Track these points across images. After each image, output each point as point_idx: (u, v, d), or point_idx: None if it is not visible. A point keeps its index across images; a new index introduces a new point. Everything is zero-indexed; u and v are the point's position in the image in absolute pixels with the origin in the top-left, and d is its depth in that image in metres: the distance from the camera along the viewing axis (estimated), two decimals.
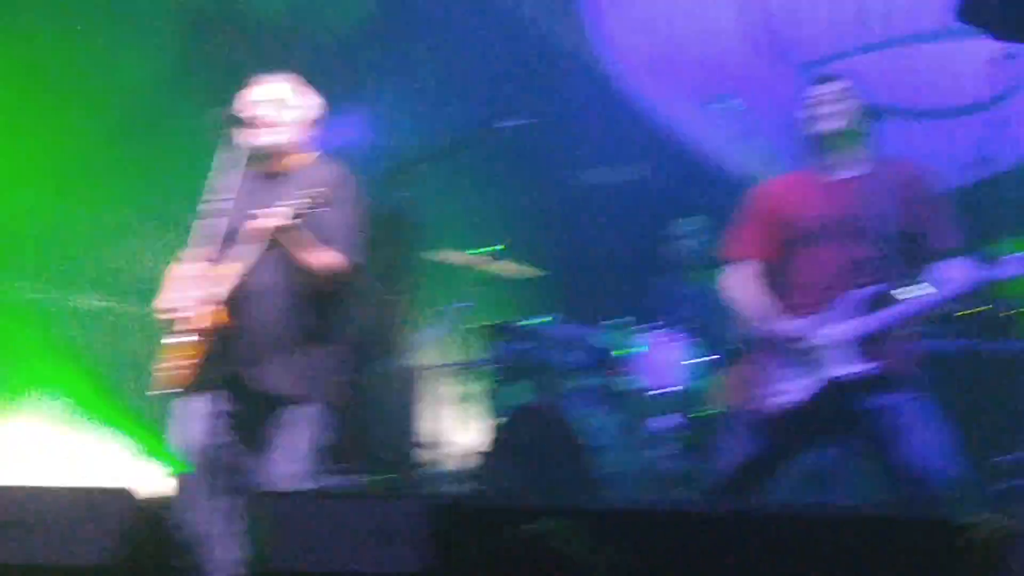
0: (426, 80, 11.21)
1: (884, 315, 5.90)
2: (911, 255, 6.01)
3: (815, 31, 10.76)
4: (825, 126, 6.16)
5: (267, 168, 6.45)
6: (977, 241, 5.63)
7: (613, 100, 11.39)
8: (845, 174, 6.16)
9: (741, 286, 6.31)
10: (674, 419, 8.64)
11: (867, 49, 10.64)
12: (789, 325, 6.05)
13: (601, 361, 9.23)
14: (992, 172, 5.52)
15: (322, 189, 5.97)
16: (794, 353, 5.99)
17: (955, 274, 5.84)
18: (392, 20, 11.36)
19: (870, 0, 10.59)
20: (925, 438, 5.81)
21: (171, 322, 6.21)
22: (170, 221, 7.57)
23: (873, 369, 5.88)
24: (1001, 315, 8.00)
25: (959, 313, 7.49)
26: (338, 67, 10.68)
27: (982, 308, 5.54)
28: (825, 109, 6.15)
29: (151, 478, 8.60)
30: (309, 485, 6.21)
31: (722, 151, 10.49)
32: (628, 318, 9.34)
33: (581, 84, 11.35)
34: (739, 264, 6.34)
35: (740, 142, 8.17)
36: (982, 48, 9.91)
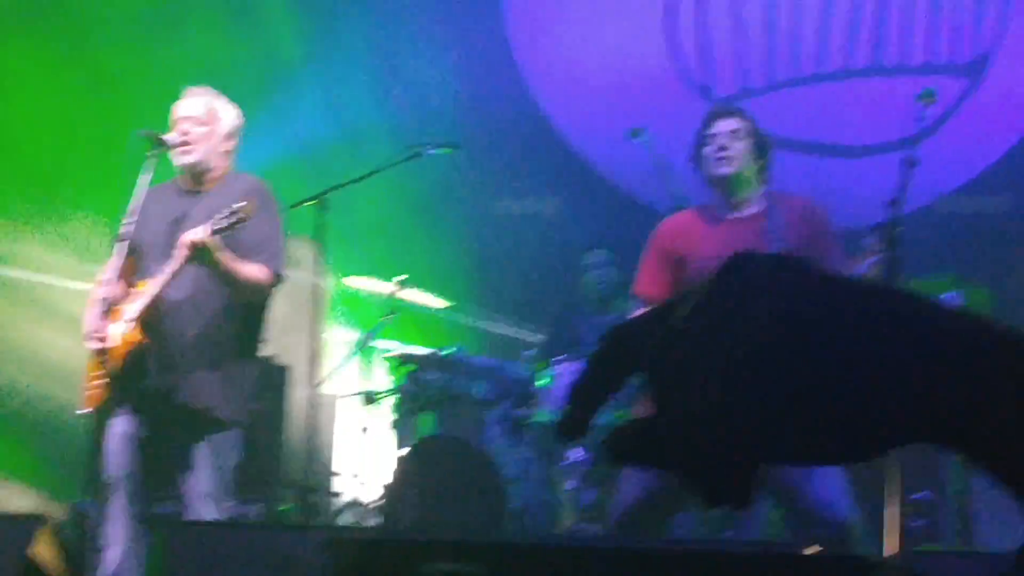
0: (350, 104, 11.20)
1: None
2: None
3: (729, 67, 10.86)
4: (717, 169, 6.06)
5: (185, 183, 6.40)
6: (890, 279, 5.65)
7: (531, 130, 11.42)
8: (741, 211, 6.10)
9: None
10: (584, 452, 8.63)
11: (779, 86, 10.75)
12: None
13: (511, 392, 9.22)
14: (903, 212, 5.52)
15: (244, 204, 5.90)
16: None
17: None
18: (320, 40, 11.35)
19: (781, 38, 10.72)
20: (820, 478, 5.79)
21: (95, 348, 6.17)
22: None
23: None
24: None
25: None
26: (263, 85, 10.65)
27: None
28: (718, 151, 6.03)
29: (65, 504, 8.50)
30: (221, 507, 6.17)
31: (638, 184, 10.54)
32: (539, 349, 9.34)
33: (500, 112, 11.37)
34: (640, 303, 6.30)
35: (655, 175, 8.17)
36: (897, 87, 10.06)
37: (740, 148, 6.06)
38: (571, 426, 1.94)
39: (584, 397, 1.93)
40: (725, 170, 6.04)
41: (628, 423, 1.85)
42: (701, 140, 6.12)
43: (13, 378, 9.62)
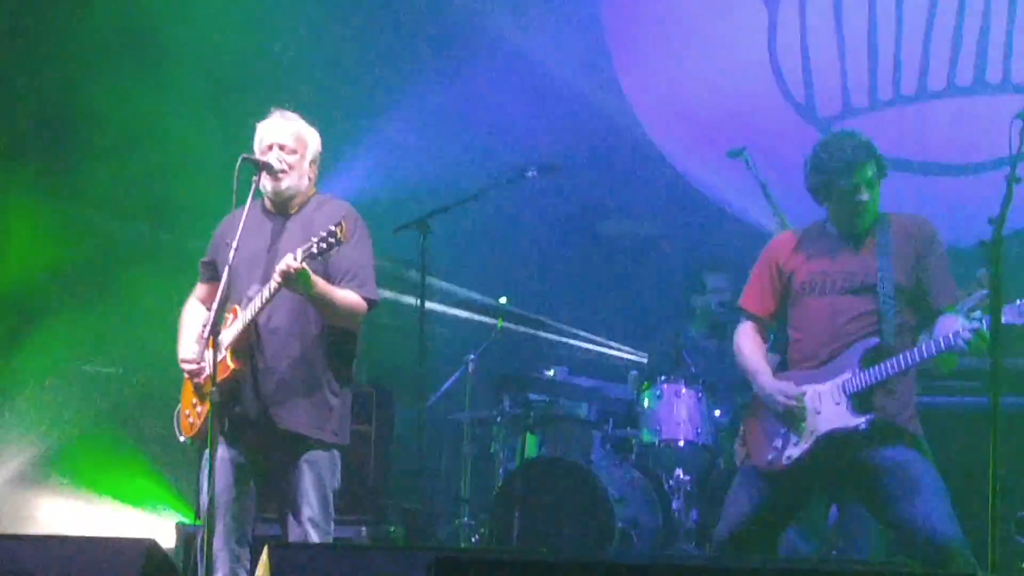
0: (451, 127, 11.23)
1: (880, 369, 5.89)
2: (910, 309, 6.03)
3: (832, 87, 10.81)
4: (857, 220, 6.13)
5: (270, 205, 6.46)
6: (986, 297, 5.64)
7: (635, 151, 11.43)
8: (855, 230, 6.17)
9: (741, 342, 6.35)
10: (690, 472, 8.63)
11: (882, 105, 10.70)
12: (778, 383, 6.11)
13: (616, 412, 9.23)
14: (1005, 230, 5.50)
15: (340, 225, 5.93)
16: (786, 410, 6.01)
17: (952, 328, 5.81)
18: (417, 64, 11.39)
19: (884, 57, 10.66)
20: (923, 495, 5.79)
21: (191, 371, 6.26)
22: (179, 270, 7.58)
23: (868, 423, 5.88)
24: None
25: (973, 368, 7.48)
26: (359, 110, 10.70)
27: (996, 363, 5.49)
28: (859, 204, 6.07)
29: (172, 529, 8.62)
30: (323, 531, 6.22)
31: (742, 204, 10.53)
32: (643, 370, 9.34)
33: (604, 135, 11.39)
34: (745, 319, 6.39)
35: (759, 195, 8.19)
36: (1001, 104, 9.98)
37: (875, 192, 6.14)
38: None
39: None
40: (863, 220, 6.14)
41: None
42: (839, 187, 6.11)
43: (124, 405, 9.75)
